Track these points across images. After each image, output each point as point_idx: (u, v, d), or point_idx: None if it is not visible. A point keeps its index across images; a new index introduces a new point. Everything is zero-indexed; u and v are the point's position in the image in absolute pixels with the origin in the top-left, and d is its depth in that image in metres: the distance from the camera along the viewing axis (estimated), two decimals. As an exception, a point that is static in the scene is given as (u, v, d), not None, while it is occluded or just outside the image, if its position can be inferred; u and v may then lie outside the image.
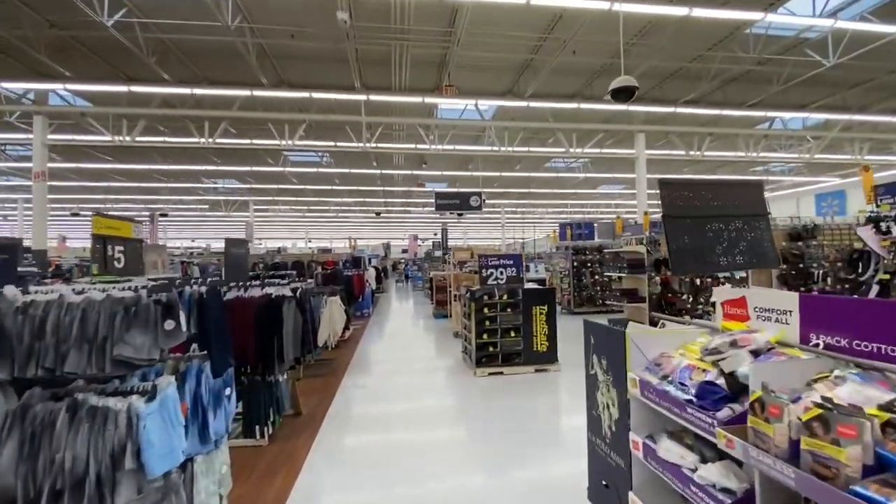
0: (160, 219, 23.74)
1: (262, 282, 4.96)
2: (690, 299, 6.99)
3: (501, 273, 7.24)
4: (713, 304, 2.51)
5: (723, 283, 6.59)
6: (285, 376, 4.51)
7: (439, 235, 33.99)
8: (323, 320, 6.67)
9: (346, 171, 18.09)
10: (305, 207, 29.17)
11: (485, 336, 6.78)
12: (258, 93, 10.28)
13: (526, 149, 14.76)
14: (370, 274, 15.37)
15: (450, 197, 12.60)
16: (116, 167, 18.06)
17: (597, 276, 13.62)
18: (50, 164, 11.75)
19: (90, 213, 25.99)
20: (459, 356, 7.95)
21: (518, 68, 11.20)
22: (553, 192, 26.63)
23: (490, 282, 7.17)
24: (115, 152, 17.49)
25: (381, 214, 29.64)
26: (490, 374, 6.68)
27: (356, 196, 25.77)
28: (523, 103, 11.02)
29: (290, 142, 12.78)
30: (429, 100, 10.71)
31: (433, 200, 13.85)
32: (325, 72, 11.28)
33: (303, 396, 5.76)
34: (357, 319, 13.38)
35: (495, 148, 13.84)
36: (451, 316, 11.63)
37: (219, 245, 45.51)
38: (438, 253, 28.97)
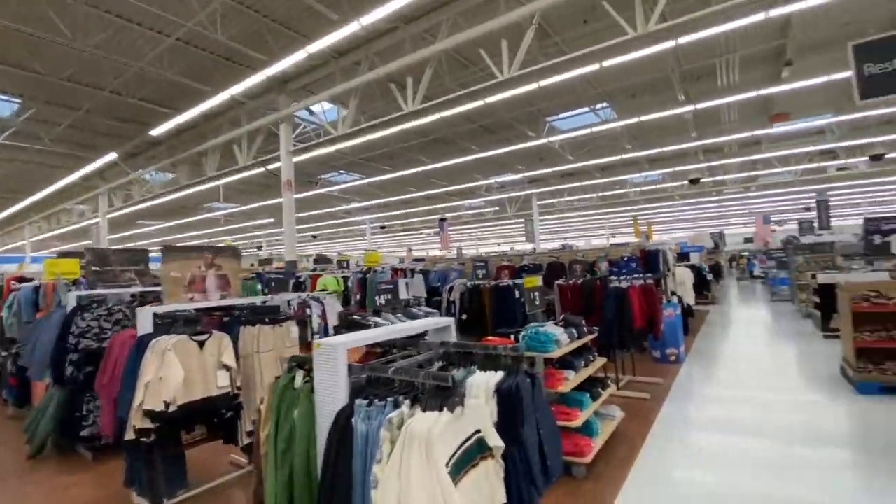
0: (444, 224, 23.58)
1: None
2: None
3: None
4: None
5: None
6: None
7: (814, 212, 21.35)
8: None
9: (637, 119, 11.63)
10: (595, 194, 23.57)
11: None
12: None
13: None
14: (681, 278, 8.59)
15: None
16: (391, 176, 18.04)
17: None
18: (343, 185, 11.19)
19: (393, 225, 28.51)
20: None
21: None
22: None
23: None
24: (389, 160, 17.40)
25: (703, 184, 20.59)
26: None
27: (660, 164, 18.27)
28: None
29: (509, 69, 7.89)
30: None
31: (802, 149, 5.45)
32: None
33: None
34: (656, 365, 7.03)
35: None
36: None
37: (500, 248, 43.96)
38: (809, 239, 17.26)
